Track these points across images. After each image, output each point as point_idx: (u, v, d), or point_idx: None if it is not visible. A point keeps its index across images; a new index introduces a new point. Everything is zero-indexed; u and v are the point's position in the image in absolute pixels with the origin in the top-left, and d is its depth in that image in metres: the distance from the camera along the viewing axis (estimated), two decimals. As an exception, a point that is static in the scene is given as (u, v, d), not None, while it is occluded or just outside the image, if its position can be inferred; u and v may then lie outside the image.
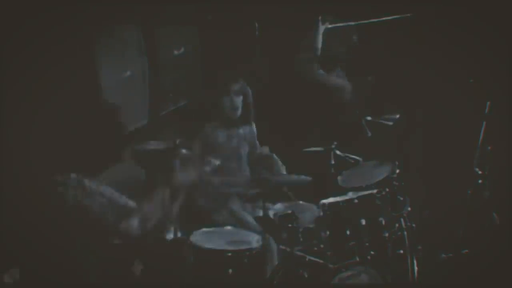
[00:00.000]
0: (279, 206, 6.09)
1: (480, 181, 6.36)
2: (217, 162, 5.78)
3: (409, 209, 5.96)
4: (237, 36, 7.10)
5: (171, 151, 5.64)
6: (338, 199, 5.86)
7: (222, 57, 7.08)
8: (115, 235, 5.43)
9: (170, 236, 5.69)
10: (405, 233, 5.83)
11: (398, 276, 5.75)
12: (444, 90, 7.02)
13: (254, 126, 6.44)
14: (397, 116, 6.40)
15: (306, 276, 5.63)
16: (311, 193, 6.14)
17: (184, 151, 5.62)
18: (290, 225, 5.68)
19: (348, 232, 5.73)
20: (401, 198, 5.96)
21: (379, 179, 5.95)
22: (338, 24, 7.17)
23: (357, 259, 5.69)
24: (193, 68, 7.05)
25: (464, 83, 6.85)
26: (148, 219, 5.47)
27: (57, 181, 5.21)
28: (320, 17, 7.13)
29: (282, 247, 5.73)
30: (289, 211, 5.77)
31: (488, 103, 6.38)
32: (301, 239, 5.73)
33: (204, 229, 5.77)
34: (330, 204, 5.79)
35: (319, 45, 7.15)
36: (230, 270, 5.44)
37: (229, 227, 5.85)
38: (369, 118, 6.39)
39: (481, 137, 6.38)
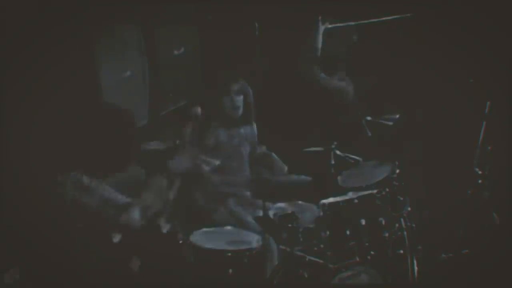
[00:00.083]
0: (279, 206, 6.09)
1: (480, 181, 6.36)
2: (217, 162, 5.77)
3: (409, 209, 5.96)
4: (237, 36, 7.09)
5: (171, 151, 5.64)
6: (338, 199, 5.86)
7: (222, 57, 7.07)
8: (115, 229, 5.42)
9: (168, 227, 5.68)
10: (405, 233, 5.83)
11: (398, 276, 5.75)
12: (444, 90, 7.02)
13: (255, 126, 6.44)
14: (397, 116, 6.40)
15: (306, 276, 5.63)
16: (311, 193, 6.14)
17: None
18: (290, 225, 5.68)
19: (348, 232, 5.73)
20: (401, 198, 5.96)
21: (379, 179, 5.95)
22: (338, 24, 7.16)
23: (357, 259, 5.69)
24: (193, 68, 7.05)
25: (464, 83, 6.85)
26: (148, 208, 5.45)
27: (57, 180, 5.20)
28: (320, 17, 7.13)
29: (282, 247, 5.73)
30: (289, 211, 5.77)
31: (488, 103, 6.38)
32: (301, 239, 5.73)
33: (204, 229, 5.77)
34: (330, 204, 5.79)
35: (319, 45, 7.14)
36: (230, 270, 5.44)
37: (229, 227, 5.85)
38: (369, 118, 6.39)
39: (481, 137, 6.38)
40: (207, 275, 5.46)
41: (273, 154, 6.46)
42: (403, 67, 7.16)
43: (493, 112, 6.39)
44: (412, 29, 7.05)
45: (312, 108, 7.07)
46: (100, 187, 5.20)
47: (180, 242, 5.60)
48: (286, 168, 6.42)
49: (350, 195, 5.89)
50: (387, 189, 5.85)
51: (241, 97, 6.22)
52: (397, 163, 6.03)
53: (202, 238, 5.63)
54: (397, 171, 5.99)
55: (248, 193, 6.26)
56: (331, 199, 5.85)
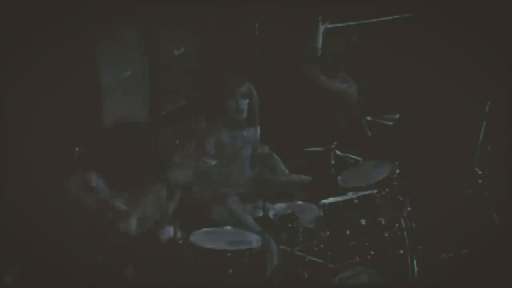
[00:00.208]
0: (279, 206, 6.09)
1: (480, 181, 6.36)
2: (213, 162, 5.78)
3: (409, 209, 5.96)
4: (237, 36, 7.09)
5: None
6: (338, 199, 5.86)
7: (222, 57, 7.07)
8: (113, 234, 5.43)
9: (168, 235, 5.69)
10: (405, 233, 5.83)
11: (398, 276, 5.75)
12: (444, 90, 7.02)
13: (258, 128, 6.44)
14: (397, 116, 6.40)
15: (306, 276, 5.63)
16: (311, 193, 6.14)
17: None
18: (290, 225, 5.68)
19: (348, 232, 5.74)
20: (401, 198, 5.96)
21: (379, 179, 5.95)
22: (338, 24, 7.16)
23: (357, 259, 5.69)
24: (193, 68, 7.04)
25: (464, 83, 6.85)
26: (146, 218, 5.47)
27: (62, 178, 5.23)
28: (320, 17, 7.13)
29: (282, 247, 5.73)
30: (289, 211, 5.77)
31: (488, 103, 6.38)
32: (301, 239, 5.73)
33: (204, 229, 5.77)
34: (330, 204, 5.79)
35: (319, 45, 7.14)
36: (230, 270, 5.44)
37: (229, 227, 5.85)
38: (369, 118, 6.39)
39: (481, 137, 6.38)
40: (207, 275, 5.46)
41: (275, 156, 6.46)
42: (403, 67, 7.15)
43: (493, 112, 6.39)
44: (412, 29, 7.04)
45: (312, 108, 7.06)
46: (104, 190, 5.22)
47: (180, 242, 5.61)
48: (287, 171, 6.42)
49: (350, 195, 5.89)
50: (387, 189, 5.86)
51: (247, 101, 6.22)
52: (397, 163, 6.03)
53: (202, 238, 5.63)
54: (397, 171, 5.99)
55: (248, 193, 6.26)
56: (331, 199, 5.85)
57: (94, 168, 5.53)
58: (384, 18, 7.03)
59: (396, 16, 7.02)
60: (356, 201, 5.78)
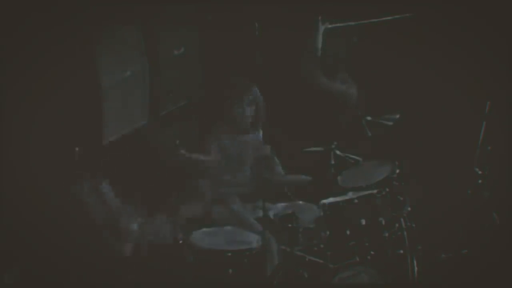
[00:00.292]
0: (279, 206, 6.09)
1: (480, 181, 6.36)
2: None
3: (409, 209, 5.96)
4: (237, 36, 7.09)
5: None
6: (338, 199, 5.86)
7: (222, 57, 7.07)
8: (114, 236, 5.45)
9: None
10: (405, 233, 5.83)
11: (398, 276, 5.75)
12: (444, 90, 7.02)
13: (261, 132, 6.44)
14: (397, 116, 6.40)
15: (306, 276, 5.63)
16: (311, 193, 6.14)
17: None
18: (290, 225, 5.68)
19: (348, 232, 5.74)
20: (401, 198, 5.96)
21: (379, 179, 5.95)
22: (338, 24, 7.16)
23: (357, 259, 5.69)
24: (193, 68, 7.04)
25: (464, 83, 6.85)
26: (148, 240, 5.51)
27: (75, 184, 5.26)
28: (320, 17, 7.13)
29: (282, 247, 5.73)
30: (289, 211, 5.77)
31: (488, 103, 6.38)
32: (301, 239, 5.73)
33: (204, 229, 5.77)
34: (330, 204, 5.79)
35: (319, 45, 7.14)
36: (230, 270, 5.44)
37: (229, 227, 5.85)
38: (369, 118, 6.39)
39: (481, 137, 6.38)
40: (207, 275, 5.46)
41: (275, 158, 6.46)
42: (403, 67, 7.15)
43: (493, 112, 6.39)
44: (412, 29, 7.05)
45: (312, 108, 7.06)
46: (114, 201, 5.24)
47: (180, 242, 5.61)
48: (283, 173, 6.42)
49: (350, 195, 5.90)
50: (387, 189, 5.86)
51: (253, 108, 6.21)
52: (397, 163, 6.03)
53: (202, 238, 5.63)
54: (397, 171, 5.99)
55: (248, 193, 6.26)
56: (331, 199, 5.85)
57: (92, 169, 5.53)
58: (384, 18, 7.03)
59: (396, 16, 7.03)
60: (356, 201, 5.78)
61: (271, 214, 5.91)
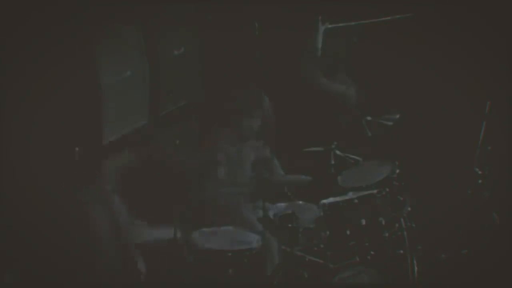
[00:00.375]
0: (279, 206, 6.09)
1: (480, 181, 6.36)
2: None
3: (409, 209, 5.96)
4: (237, 36, 7.09)
5: None
6: (338, 199, 5.86)
7: (222, 57, 7.07)
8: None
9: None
10: (405, 233, 5.83)
11: (398, 276, 5.75)
12: (444, 90, 7.02)
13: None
14: (397, 116, 6.40)
15: (306, 276, 5.64)
16: (311, 193, 6.14)
17: None
18: (290, 225, 5.68)
19: (348, 232, 5.74)
20: (401, 198, 5.96)
21: (379, 179, 5.95)
22: (338, 24, 7.16)
23: (357, 259, 5.69)
24: (193, 68, 7.04)
25: (464, 83, 6.85)
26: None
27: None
28: (320, 17, 7.13)
29: (282, 247, 5.73)
30: (289, 211, 5.77)
31: (488, 103, 6.38)
32: (301, 239, 5.73)
33: (204, 229, 5.77)
34: (330, 204, 5.79)
35: (319, 45, 7.14)
36: (230, 270, 5.44)
37: (229, 227, 5.85)
38: (369, 118, 6.39)
39: (481, 137, 6.38)
40: (207, 275, 5.46)
41: (275, 160, 6.45)
42: (403, 67, 7.15)
43: (493, 112, 6.39)
44: (412, 29, 7.05)
45: (312, 108, 7.06)
46: (125, 214, 5.27)
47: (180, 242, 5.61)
48: (283, 173, 6.41)
49: (350, 195, 5.90)
50: (387, 189, 5.86)
51: (260, 119, 6.20)
52: (397, 163, 6.03)
53: (202, 238, 5.63)
54: (397, 171, 5.99)
55: (248, 193, 6.26)
56: (331, 199, 5.85)
57: (92, 169, 5.55)
58: (384, 18, 7.03)
59: (396, 16, 7.03)
60: (356, 201, 5.78)
61: (271, 214, 5.91)
